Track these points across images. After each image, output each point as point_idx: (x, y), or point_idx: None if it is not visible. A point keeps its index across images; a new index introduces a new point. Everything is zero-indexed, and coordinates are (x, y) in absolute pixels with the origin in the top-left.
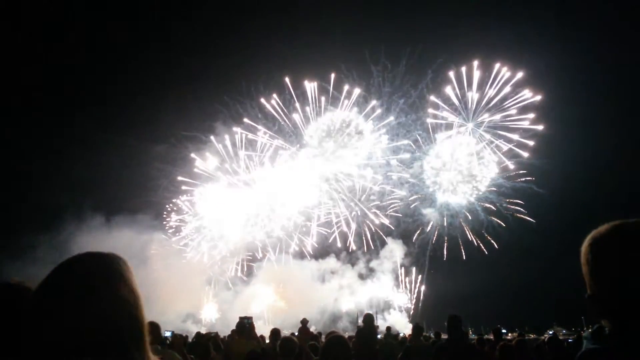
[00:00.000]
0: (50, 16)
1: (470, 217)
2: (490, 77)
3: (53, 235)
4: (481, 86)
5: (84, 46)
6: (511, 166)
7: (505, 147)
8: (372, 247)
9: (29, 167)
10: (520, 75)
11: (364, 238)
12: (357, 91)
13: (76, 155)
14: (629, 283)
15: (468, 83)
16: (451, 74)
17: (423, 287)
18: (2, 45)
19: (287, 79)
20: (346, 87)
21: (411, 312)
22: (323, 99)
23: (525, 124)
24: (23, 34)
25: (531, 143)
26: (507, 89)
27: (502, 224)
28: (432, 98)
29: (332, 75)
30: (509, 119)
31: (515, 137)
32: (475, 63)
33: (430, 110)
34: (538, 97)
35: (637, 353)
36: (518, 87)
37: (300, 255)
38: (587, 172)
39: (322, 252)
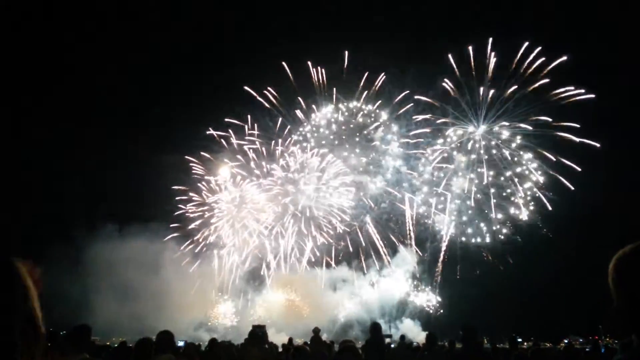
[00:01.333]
0: (61, 29)
1: (485, 233)
2: (513, 63)
3: (67, 244)
4: (497, 76)
5: (96, 57)
6: (549, 207)
7: (535, 166)
8: (384, 255)
9: (43, 177)
10: (563, 60)
11: (370, 246)
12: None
13: (90, 165)
14: None
15: (478, 71)
16: (450, 57)
17: (437, 296)
18: (7, 55)
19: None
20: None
21: (426, 317)
22: (333, 104)
23: (571, 137)
24: (27, 44)
25: (578, 168)
26: (541, 82)
27: (519, 238)
28: (416, 96)
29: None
30: (534, 120)
31: (550, 155)
32: (490, 41)
33: (415, 117)
34: (591, 96)
35: None
36: (558, 80)
37: (312, 263)
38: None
39: (334, 260)
